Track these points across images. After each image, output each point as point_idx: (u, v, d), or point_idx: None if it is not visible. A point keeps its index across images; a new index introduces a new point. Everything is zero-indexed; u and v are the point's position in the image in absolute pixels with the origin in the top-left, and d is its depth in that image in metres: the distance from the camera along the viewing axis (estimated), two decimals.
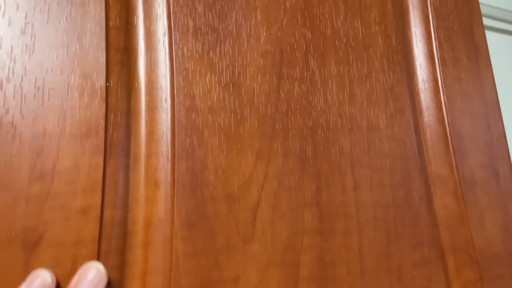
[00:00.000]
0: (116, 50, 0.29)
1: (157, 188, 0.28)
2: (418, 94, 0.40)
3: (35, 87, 0.26)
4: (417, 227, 0.36)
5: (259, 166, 0.31)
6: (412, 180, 0.37)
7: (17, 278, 0.24)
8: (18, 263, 0.24)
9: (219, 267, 0.29)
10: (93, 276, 0.23)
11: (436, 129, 0.39)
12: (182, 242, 0.28)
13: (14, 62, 0.26)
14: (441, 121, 0.40)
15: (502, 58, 0.91)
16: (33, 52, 0.27)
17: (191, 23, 0.31)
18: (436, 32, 0.41)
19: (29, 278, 0.23)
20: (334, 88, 0.35)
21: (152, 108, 0.29)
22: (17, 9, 0.27)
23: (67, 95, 0.27)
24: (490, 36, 0.90)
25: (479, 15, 0.45)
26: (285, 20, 0.35)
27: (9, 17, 0.27)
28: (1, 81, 0.25)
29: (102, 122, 0.27)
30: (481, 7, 0.79)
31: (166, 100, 0.30)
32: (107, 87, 0.28)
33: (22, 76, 0.26)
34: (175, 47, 0.31)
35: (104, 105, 0.28)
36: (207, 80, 0.31)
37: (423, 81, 0.40)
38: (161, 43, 0.30)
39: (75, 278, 0.24)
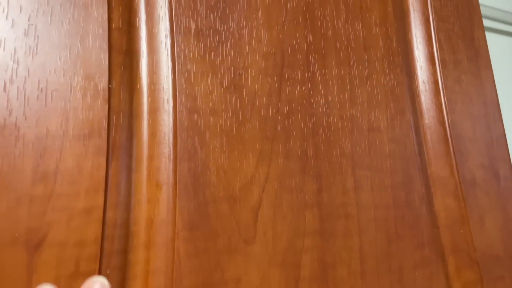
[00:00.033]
0: (118, 52, 0.30)
1: (159, 189, 0.29)
2: (418, 95, 0.40)
3: (38, 89, 0.26)
4: (418, 228, 0.36)
5: (260, 167, 0.31)
6: (413, 181, 0.37)
7: (20, 278, 0.24)
8: (21, 264, 0.24)
9: (220, 267, 0.29)
10: None
11: (436, 131, 0.40)
12: (184, 242, 0.28)
13: (18, 64, 0.26)
14: (441, 122, 0.40)
15: (502, 59, 0.92)
16: (36, 53, 0.27)
17: (193, 25, 0.32)
18: (437, 34, 0.42)
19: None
20: (335, 90, 0.36)
21: (154, 110, 0.30)
22: (20, 11, 0.27)
23: (70, 96, 0.27)
24: (490, 37, 0.90)
25: (479, 17, 0.45)
26: (286, 22, 0.35)
27: (13, 19, 0.27)
28: (5, 83, 0.26)
29: (104, 124, 0.28)
30: (482, 8, 0.79)
31: (168, 102, 0.30)
32: (109, 89, 0.28)
33: (25, 77, 0.26)
34: (177, 49, 0.31)
35: (107, 107, 0.28)
36: (209, 81, 0.31)
37: (424, 82, 0.40)
38: (163, 45, 0.31)
39: None
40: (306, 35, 0.36)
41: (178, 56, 0.31)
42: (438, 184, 0.38)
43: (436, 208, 0.38)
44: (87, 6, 0.29)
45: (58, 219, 0.25)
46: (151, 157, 0.29)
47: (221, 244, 0.29)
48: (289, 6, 0.35)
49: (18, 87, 0.26)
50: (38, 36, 0.27)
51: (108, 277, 0.26)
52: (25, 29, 0.27)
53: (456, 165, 0.39)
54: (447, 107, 0.40)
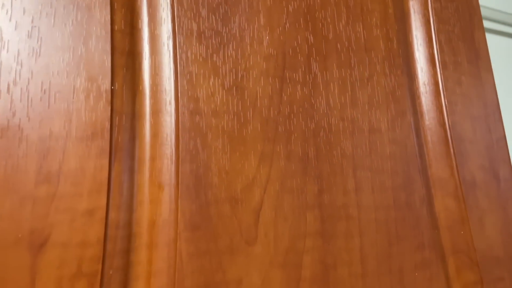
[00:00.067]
0: (121, 54, 0.30)
1: (161, 190, 0.29)
2: (419, 97, 0.40)
3: (41, 90, 0.27)
4: (418, 229, 0.36)
5: (261, 169, 0.32)
6: (413, 182, 0.37)
7: (23, 278, 0.24)
8: (25, 264, 0.24)
9: (222, 268, 0.29)
10: None
11: (437, 132, 0.40)
12: (186, 243, 0.28)
13: (21, 66, 0.26)
14: (441, 124, 0.40)
15: (502, 60, 0.92)
16: (39, 55, 0.27)
17: (195, 27, 0.32)
18: (437, 36, 0.42)
19: None
20: (336, 91, 0.36)
21: (156, 111, 0.30)
22: (23, 13, 0.27)
23: (73, 98, 0.27)
24: (490, 38, 0.90)
25: (480, 19, 0.45)
26: (287, 24, 0.35)
27: (16, 21, 0.27)
28: (8, 84, 0.26)
29: (107, 125, 0.28)
30: (482, 9, 0.79)
31: (170, 103, 0.30)
32: (112, 90, 0.29)
33: (28, 79, 0.26)
34: (179, 51, 0.31)
35: (109, 108, 0.28)
36: (211, 83, 0.31)
37: (424, 84, 0.41)
38: (166, 47, 0.31)
39: None
40: (307, 37, 0.36)
41: (180, 57, 0.31)
42: (438, 185, 0.38)
43: (437, 209, 0.38)
44: (90, 8, 0.29)
45: (61, 220, 0.25)
46: (153, 158, 0.29)
47: (222, 245, 0.29)
48: (290, 8, 0.36)
49: (21, 88, 0.26)
50: (41, 38, 0.27)
51: (110, 277, 0.26)
52: (28, 31, 0.27)
53: (457, 166, 0.39)
54: (447, 108, 0.40)
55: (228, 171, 0.31)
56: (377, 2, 0.40)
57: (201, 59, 0.31)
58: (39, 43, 0.27)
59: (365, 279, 0.33)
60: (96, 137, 0.27)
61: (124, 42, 0.30)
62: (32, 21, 0.27)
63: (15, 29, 0.27)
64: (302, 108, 0.34)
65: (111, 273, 0.26)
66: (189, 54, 0.31)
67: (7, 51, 0.26)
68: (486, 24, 0.88)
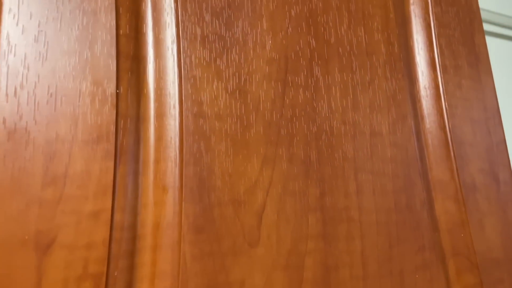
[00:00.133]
0: (126, 58, 0.30)
1: (166, 192, 0.29)
2: (420, 100, 0.41)
3: (48, 94, 0.27)
4: (419, 231, 0.37)
5: (264, 171, 0.32)
6: (414, 185, 0.38)
7: (29, 280, 0.24)
8: (31, 266, 0.25)
9: (225, 270, 0.29)
10: None
11: (437, 135, 0.40)
12: (189, 245, 0.29)
13: (28, 70, 0.27)
14: (442, 127, 0.40)
15: (502, 63, 0.92)
16: (46, 59, 0.27)
17: (198, 31, 0.32)
18: (438, 40, 0.42)
19: None
20: (338, 95, 0.36)
21: (160, 115, 0.30)
22: (30, 17, 0.28)
23: (79, 101, 0.28)
24: (490, 41, 0.91)
25: (480, 23, 0.45)
26: (290, 28, 0.36)
27: (23, 26, 0.27)
28: (15, 88, 0.26)
29: (112, 128, 0.28)
30: (482, 12, 0.80)
31: (174, 107, 0.30)
32: (117, 94, 0.29)
33: (35, 83, 0.27)
34: (183, 55, 0.31)
35: (115, 112, 0.28)
36: (214, 87, 0.32)
37: (425, 88, 0.41)
38: (170, 51, 0.31)
39: None
40: (310, 41, 0.36)
41: (184, 61, 0.31)
42: (438, 188, 0.39)
43: (437, 212, 0.38)
44: (96, 12, 0.29)
45: (67, 222, 0.26)
46: (157, 161, 0.30)
47: (226, 247, 0.30)
48: (292, 13, 0.36)
49: (28, 92, 0.26)
50: (48, 42, 0.28)
51: (115, 279, 0.27)
52: (35, 35, 0.27)
53: (457, 169, 0.39)
54: (447, 112, 0.41)
55: (231, 174, 0.31)
56: (378, 7, 0.40)
57: (204, 63, 0.32)
58: (45, 47, 0.27)
59: (366, 281, 0.33)
60: (102, 140, 0.28)
61: (129, 46, 0.30)
62: (38, 26, 0.28)
63: (22, 33, 0.27)
64: (304, 112, 0.34)
65: (116, 274, 0.27)
66: (193, 58, 0.32)
67: (14, 55, 0.27)
68: (486, 27, 0.89)
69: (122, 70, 0.30)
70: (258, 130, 0.33)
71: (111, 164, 0.28)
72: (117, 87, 0.29)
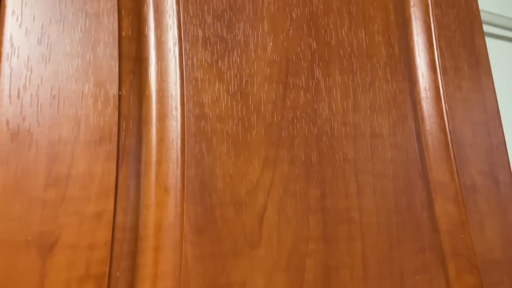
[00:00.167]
0: (128, 60, 0.30)
1: (167, 193, 0.29)
2: (420, 102, 0.41)
3: (51, 96, 0.27)
4: (419, 232, 0.37)
5: (265, 173, 0.32)
6: (414, 186, 0.38)
7: (32, 280, 0.25)
8: (34, 266, 0.25)
9: (226, 271, 0.29)
10: None
11: (437, 137, 0.40)
12: (191, 246, 0.29)
13: (31, 71, 0.27)
14: (442, 129, 0.41)
15: (502, 65, 0.92)
16: (49, 61, 0.28)
17: (200, 33, 0.32)
18: (438, 42, 0.42)
19: None
20: (339, 97, 0.36)
21: (162, 116, 0.30)
22: (33, 19, 0.28)
23: (82, 103, 0.28)
24: (491, 43, 0.91)
25: (480, 25, 0.46)
26: (291, 30, 0.36)
27: (26, 28, 0.27)
28: (18, 90, 0.26)
29: (115, 130, 0.28)
30: (482, 14, 0.80)
31: (176, 108, 0.31)
32: (119, 96, 0.29)
33: (38, 85, 0.27)
34: (185, 57, 0.31)
35: (117, 113, 0.29)
36: (216, 88, 0.32)
37: (425, 89, 0.41)
38: (172, 53, 0.31)
39: None
40: (311, 43, 0.36)
41: (186, 63, 0.31)
42: (439, 189, 0.39)
43: (437, 213, 0.38)
44: (98, 15, 0.29)
45: (70, 223, 0.26)
46: (159, 162, 0.30)
47: (227, 248, 0.30)
48: (294, 15, 0.36)
49: (31, 94, 0.27)
50: (50, 44, 0.28)
51: (117, 279, 0.27)
52: (38, 38, 0.28)
53: (457, 171, 0.40)
54: (448, 113, 0.41)
55: (232, 175, 0.31)
56: (379, 9, 0.40)
57: (206, 65, 0.32)
58: (48, 49, 0.28)
59: (366, 281, 0.34)
60: (104, 141, 0.28)
61: (131, 48, 0.31)
62: (41, 28, 0.28)
63: (25, 35, 0.27)
64: (305, 113, 0.35)
65: (118, 275, 0.27)
66: (194, 60, 0.32)
67: (18, 57, 0.27)
68: (486, 28, 0.89)
69: (124, 72, 0.30)
70: (259, 131, 0.33)
71: (113, 165, 0.28)
72: (119, 88, 0.29)
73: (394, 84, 0.39)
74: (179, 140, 0.30)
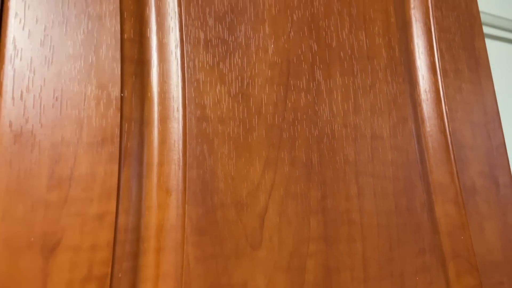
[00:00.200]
0: (130, 62, 0.31)
1: (169, 195, 0.29)
2: (420, 104, 0.41)
3: (53, 97, 0.27)
4: (419, 234, 0.37)
5: (266, 174, 0.32)
6: (414, 188, 0.38)
7: (35, 281, 0.25)
8: (37, 267, 0.25)
9: (228, 272, 0.30)
10: None
11: (437, 139, 0.40)
12: (193, 247, 0.29)
13: (34, 73, 0.27)
14: (442, 130, 0.41)
15: (502, 66, 0.93)
16: (51, 63, 0.28)
17: (202, 35, 0.33)
18: (438, 44, 0.43)
19: None
20: (339, 99, 0.37)
21: (164, 118, 0.31)
22: (36, 22, 0.28)
23: (84, 105, 0.28)
24: (490, 44, 0.91)
25: (480, 27, 0.46)
26: (292, 33, 0.36)
27: (29, 30, 0.28)
28: (21, 92, 0.27)
29: (117, 131, 0.28)
30: (483, 16, 0.80)
31: (178, 110, 0.31)
32: (121, 97, 0.29)
33: (41, 86, 0.27)
34: (186, 59, 0.32)
35: (119, 115, 0.29)
36: (217, 90, 0.32)
37: (425, 91, 0.41)
38: (173, 55, 0.32)
39: None
40: (311, 45, 0.36)
41: (188, 65, 0.32)
42: (439, 191, 0.39)
43: (437, 214, 0.39)
44: (101, 17, 0.30)
45: (72, 224, 0.26)
46: (161, 164, 0.30)
47: (228, 249, 0.30)
48: (294, 17, 0.36)
49: (34, 95, 0.27)
50: (53, 46, 0.28)
51: (119, 280, 0.27)
52: (41, 40, 0.28)
53: (457, 172, 0.40)
54: (448, 115, 0.41)
55: (233, 176, 0.31)
56: (380, 11, 0.41)
57: (208, 67, 0.32)
58: (51, 51, 0.28)
59: (367, 283, 0.34)
60: (106, 143, 0.28)
61: (133, 51, 0.31)
62: (44, 30, 0.28)
63: (28, 37, 0.28)
64: (306, 115, 0.35)
65: (120, 276, 0.27)
66: (196, 62, 0.32)
67: (21, 59, 0.27)
68: (486, 30, 0.89)
69: (127, 74, 0.30)
70: (261, 133, 0.33)
71: (116, 166, 0.28)
72: (122, 90, 0.29)
73: (395, 86, 0.39)
74: (180, 142, 0.30)
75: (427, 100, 0.41)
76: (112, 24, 0.30)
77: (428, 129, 0.40)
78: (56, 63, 0.28)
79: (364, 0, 0.40)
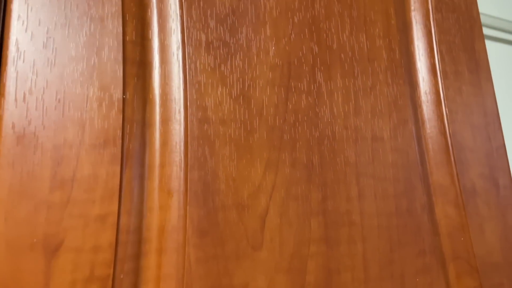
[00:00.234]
0: (132, 64, 0.31)
1: (171, 196, 0.30)
2: (420, 106, 0.41)
3: (56, 99, 0.27)
4: (419, 235, 0.37)
5: (267, 176, 0.32)
6: (415, 189, 0.38)
7: (38, 282, 0.25)
8: (39, 268, 0.25)
9: (229, 273, 0.30)
10: None
11: (438, 140, 0.41)
12: (194, 248, 0.29)
13: (37, 75, 0.27)
14: (442, 132, 0.41)
15: (502, 68, 0.93)
16: (54, 65, 0.28)
17: (203, 37, 0.33)
18: (438, 46, 0.43)
19: None
20: (340, 100, 0.37)
21: (166, 120, 0.31)
22: (39, 24, 0.28)
23: (86, 106, 0.28)
24: (490, 45, 0.91)
25: (480, 29, 0.46)
26: (293, 35, 0.36)
27: (32, 32, 0.28)
28: (24, 94, 0.27)
29: (119, 133, 0.29)
30: (483, 17, 0.80)
31: (179, 112, 0.31)
32: (123, 99, 0.29)
33: (44, 88, 0.27)
34: (188, 61, 0.32)
35: (121, 117, 0.29)
36: (219, 92, 0.32)
37: (426, 93, 0.42)
38: (175, 57, 0.32)
39: None
40: (312, 47, 0.37)
41: (189, 67, 0.32)
42: (439, 192, 0.39)
43: (437, 216, 0.39)
44: (103, 19, 0.30)
45: (75, 225, 0.26)
46: (162, 165, 0.30)
47: (229, 250, 0.30)
48: (295, 19, 0.36)
49: (37, 97, 0.27)
50: (56, 48, 0.28)
51: (121, 281, 0.27)
52: (43, 42, 0.28)
53: (457, 174, 0.40)
54: (448, 117, 0.41)
55: (235, 178, 0.31)
56: (380, 13, 0.41)
57: (209, 69, 0.32)
58: (54, 53, 0.28)
59: (367, 284, 0.34)
60: (108, 144, 0.28)
61: (135, 52, 0.31)
62: (47, 32, 0.28)
63: (31, 39, 0.28)
64: (307, 117, 0.35)
65: (122, 277, 0.27)
66: (197, 64, 0.32)
67: (23, 61, 0.27)
68: (486, 31, 0.90)
69: (129, 75, 0.30)
70: (262, 135, 0.33)
71: (118, 168, 0.28)
72: (124, 92, 0.30)
73: (395, 88, 0.40)
74: (182, 143, 0.31)
75: (427, 102, 0.41)
76: (114, 26, 0.30)
77: (428, 130, 0.41)
78: (59, 65, 0.28)
79: (365, 2, 0.40)
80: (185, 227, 0.29)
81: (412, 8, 0.43)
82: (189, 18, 0.33)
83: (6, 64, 0.27)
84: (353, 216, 0.35)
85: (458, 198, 0.40)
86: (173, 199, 0.30)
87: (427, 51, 0.42)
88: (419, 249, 0.37)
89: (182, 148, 0.30)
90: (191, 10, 0.33)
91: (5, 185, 0.25)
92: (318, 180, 0.34)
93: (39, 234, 0.25)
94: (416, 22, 0.43)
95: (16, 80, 0.27)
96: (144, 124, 0.30)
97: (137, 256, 0.28)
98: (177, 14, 0.32)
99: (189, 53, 0.32)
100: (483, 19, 0.82)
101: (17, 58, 0.27)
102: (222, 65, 0.33)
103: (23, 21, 0.28)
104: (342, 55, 0.38)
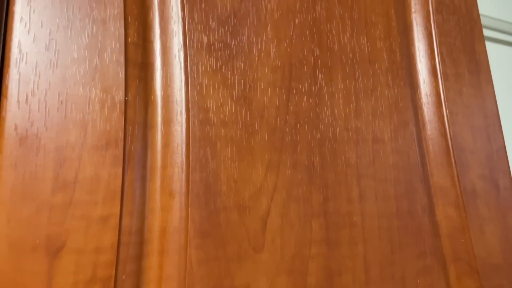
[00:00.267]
0: (134, 65, 0.31)
1: (172, 198, 0.30)
2: (421, 107, 0.41)
3: (58, 101, 0.28)
4: (420, 237, 0.37)
5: (269, 177, 0.33)
6: (415, 191, 0.38)
7: (40, 283, 0.25)
8: (42, 269, 0.25)
9: (230, 274, 0.30)
10: None
11: (438, 142, 0.41)
12: (195, 250, 0.29)
13: (39, 77, 0.27)
14: (443, 134, 0.41)
15: (503, 69, 0.93)
16: (56, 67, 0.28)
17: (205, 39, 0.33)
18: (439, 48, 0.43)
19: None
20: (341, 102, 0.37)
21: (167, 121, 0.31)
22: (41, 26, 0.28)
23: (88, 108, 0.28)
24: (491, 47, 0.92)
25: (481, 31, 0.46)
26: (294, 37, 0.36)
27: (34, 34, 0.28)
28: (27, 95, 0.27)
29: (121, 134, 0.29)
30: (483, 19, 0.81)
31: (181, 113, 0.31)
32: (125, 101, 0.30)
33: (46, 90, 0.27)
34: (190, 63, 0.32)
35: (123, 118, 0.29)
36: (220, 94, 0.32)
37: (426, 95, 0.42)
38: (177, 59, 0.32)
39: None
40: (313, 49, 0.37)
41: (191, 69, 0.32)
42: (439, 194, 0.39)
43: (438, 217, 0.39)
44: (105, 21, 0.30)
45: (77, 227, 0.26)
46: (164, 167, 0.30)
47: (231, 252, 0.30)
48: (297, 21, 0.37)
49: (39, 99, 0.27)
50: (58, 50, 0.28)
51: (123, 282, 0.27)
52: (46, 44, 0.28)
53: (457, 175, 0.40)
54: (448, 119, 0.41)
55: (236, 179, 0.31)
56: (381, 15, 0.41)
57: (211, 71, 0.32)
58: (56, 55, 0.28)
59: (368, 285, 0.34)
60: (110, 146, 0.28)
61: (137, 54, 0.31)
62: (49, 34, 0.28)
63: (33, 41, 0.28)
64: (308, 119, 0.35)
65: (124, 278, 0.27)
66: (199, 65, 0.32)
67: (26, 63, 0.27)
68: (487, 33, 0.90)
69: (131, 77, 0.30)
70: (263, 136, 0.33)
71: (120, 169, 0.28)
72: (126, 94, 0.30)
73: (396, 90, 0.40)
74: (184, 145, 0.31)
75: (428, 104, 0.41)
76: (116, 28, 0.30)
77: (429, 132, 0.41)
78: (61, 67, 0.28)
79: (366, 4, 0.40)
80: (187, 229, 0.29)
81: (413, 10, 0.43)
82: (190, 20, 0.33)
83: (8, 66, 0.27)
84: (354, 217, 0.35)
85: (458, 199, 0.40)
86: (175, 200, 0.30)
87: (428, 53, 0.43)
88: (419, 250, 0.37)
89: (184, 149, 0.31)
90: (193, 12, 0.33)
91: (7, 186, 0.25)
92: (319, 182, 0.34)
93: (42, 235, 0.25)
94: (416, 24, 0.43)
95: (19, 81, 0.27)
96: (146, 125, 0.30)
97: (139, 257, 0.28)
98: (178, 16, 0.33)
99: (190, 55, 0.32)
100: (483, 21, 0.83)
101: (19, 60, 0.27)
102: (224, 67, 0.33)
103: (25, 23, 0.28)
104: (343, 57, 0.38)
